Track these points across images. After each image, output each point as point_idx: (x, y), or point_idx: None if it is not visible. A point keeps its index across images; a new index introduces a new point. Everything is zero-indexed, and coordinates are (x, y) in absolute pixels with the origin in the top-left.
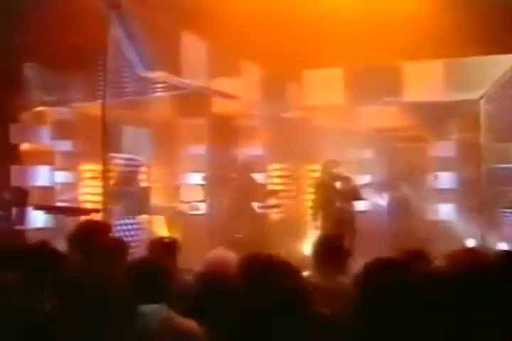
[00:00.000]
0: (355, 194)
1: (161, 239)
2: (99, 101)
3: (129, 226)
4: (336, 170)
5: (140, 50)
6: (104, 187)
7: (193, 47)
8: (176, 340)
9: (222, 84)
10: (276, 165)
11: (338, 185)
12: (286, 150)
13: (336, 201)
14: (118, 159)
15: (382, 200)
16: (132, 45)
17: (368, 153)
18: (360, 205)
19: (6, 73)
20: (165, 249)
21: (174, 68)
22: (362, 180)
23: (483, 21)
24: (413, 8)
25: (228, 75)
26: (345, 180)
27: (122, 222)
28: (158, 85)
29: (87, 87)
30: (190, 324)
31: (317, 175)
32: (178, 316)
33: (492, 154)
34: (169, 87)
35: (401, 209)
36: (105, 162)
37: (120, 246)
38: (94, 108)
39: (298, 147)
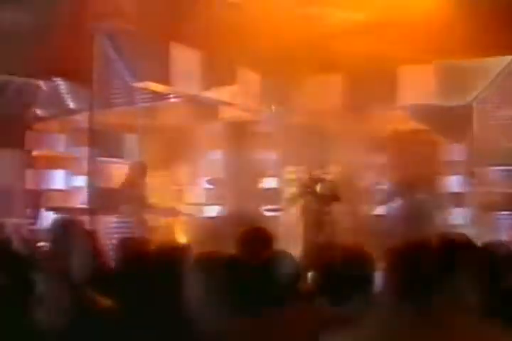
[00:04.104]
0: (333, 197)
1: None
2: (115, 108)
3: (126, 225)
4: (321, 172)
5: (129, 62)
6: (89, 188)
7: (186, 57)
8: None
9: (223, 92)
10: (287, 169)
11: (318, 187)
12: (297, 155)
13: (313, 203)
14: (122, 163)
15: (396, 204)
16: (120, 58)
17: (380, 157)
18: (376, 209)
19: (24, 85)
20: None
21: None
22: (374, 184)
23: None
24: (413, 11)
25: (227, 83)
26: (326, 182)
27: (118, 220)
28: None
29: (100, 96)
30: None
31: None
32: None
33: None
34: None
35: (414, 214)
36: (91, 166)
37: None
38: (110, 116)
39: (308, 151)
